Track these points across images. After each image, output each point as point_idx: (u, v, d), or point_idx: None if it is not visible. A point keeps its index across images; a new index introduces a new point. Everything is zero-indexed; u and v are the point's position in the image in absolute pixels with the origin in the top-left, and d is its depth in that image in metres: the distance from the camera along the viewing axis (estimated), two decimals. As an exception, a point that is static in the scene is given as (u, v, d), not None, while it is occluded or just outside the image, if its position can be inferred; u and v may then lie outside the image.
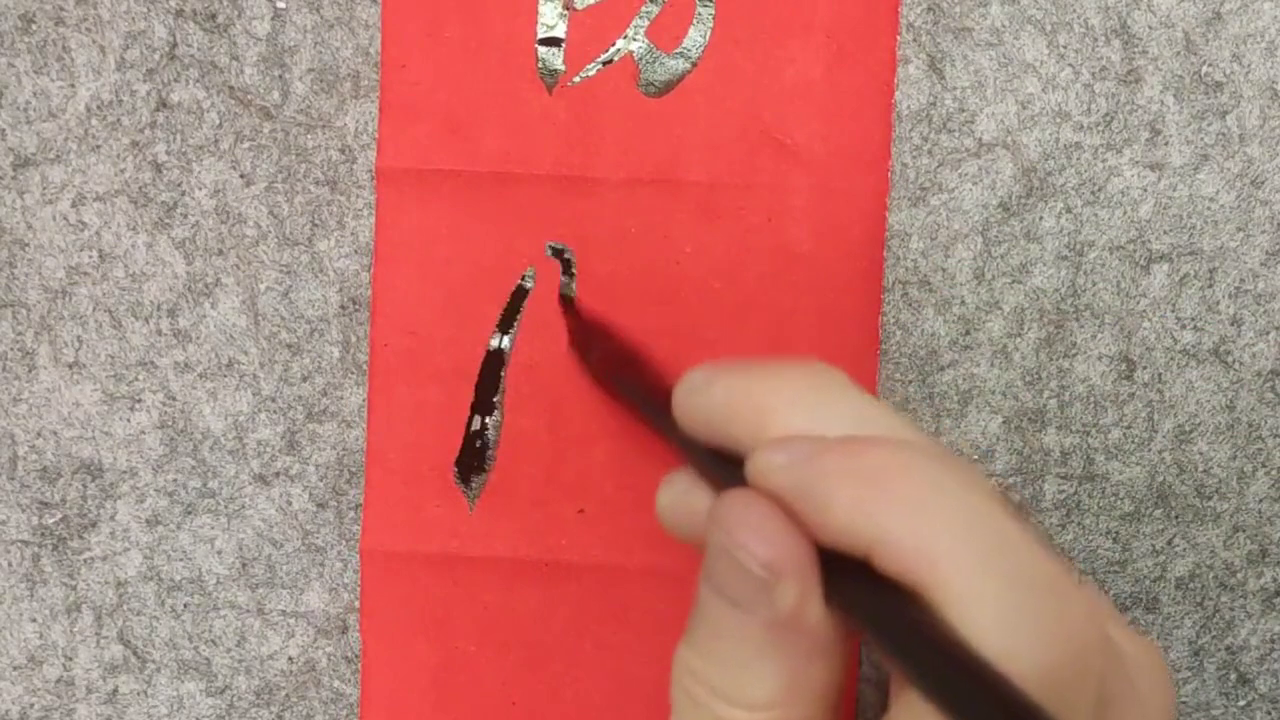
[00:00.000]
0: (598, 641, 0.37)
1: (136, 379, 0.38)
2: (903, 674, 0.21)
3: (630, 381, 0.32)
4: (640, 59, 0.37)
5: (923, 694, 0.20)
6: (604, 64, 0.37)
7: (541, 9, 0.37)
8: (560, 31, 0.37)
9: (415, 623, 0.37)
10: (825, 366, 0.25)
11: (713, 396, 0.25)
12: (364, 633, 0.37)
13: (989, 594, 0.20)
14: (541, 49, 0.37)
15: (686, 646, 0.24)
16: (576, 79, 0.37)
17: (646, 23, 0.37)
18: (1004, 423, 0.37)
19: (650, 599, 0.37)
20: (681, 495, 0.27)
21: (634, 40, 0.37)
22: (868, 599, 0.22)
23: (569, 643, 0.37)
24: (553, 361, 0.37)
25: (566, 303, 0.37)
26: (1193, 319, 0.38)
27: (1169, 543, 0.38)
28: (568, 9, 0.37)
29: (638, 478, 0.37)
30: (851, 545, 0.22)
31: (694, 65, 0.36)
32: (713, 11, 0.36)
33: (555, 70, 0.37)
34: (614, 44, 0.37)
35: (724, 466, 0.25)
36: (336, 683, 0.38)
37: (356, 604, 0.38)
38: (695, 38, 0.37)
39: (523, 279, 0.37)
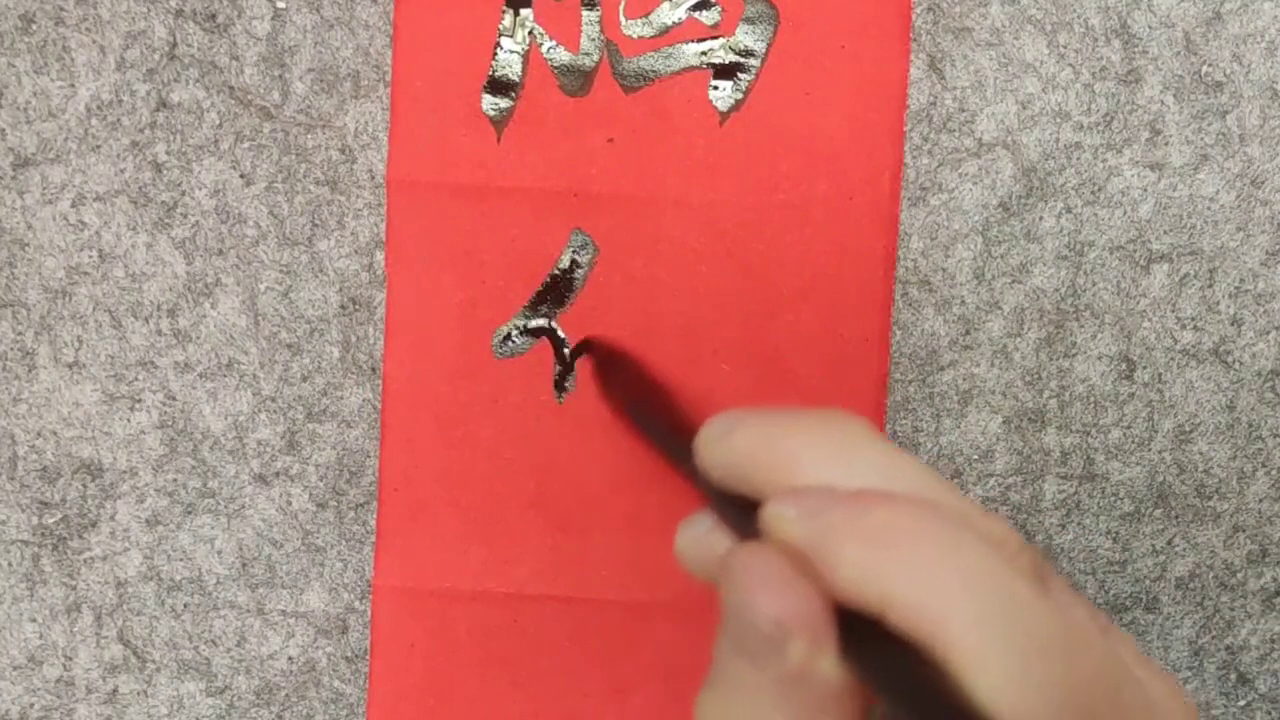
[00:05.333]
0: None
1: (136, 379, 0.38)
2: None
3: (653, 417, 0.32)
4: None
5: None
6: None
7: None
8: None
9: (441, 254, 0.36)
10: (849, 416, 0.25)
11: (735, 445, 0.25)
12: (389, 266, 0.37)
13: (996, 655, 0.21)
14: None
15: (706, 695, 0.25)
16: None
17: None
18: (1004, 423, 0.37)
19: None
20: (702, 536, 0.27)
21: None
22: (879, 657, 0.22)
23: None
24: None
25: (584, 343, 0.36)
26: (1193, 319, 0.38)
27: (1169, 543, 0.38)
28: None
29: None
30: (861, 602, 0.22)
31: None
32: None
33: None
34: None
35: (744, 514, 0.25)
36: (336, 683, 0.38)
37: (356, 604, 0.38)
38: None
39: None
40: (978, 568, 0.22)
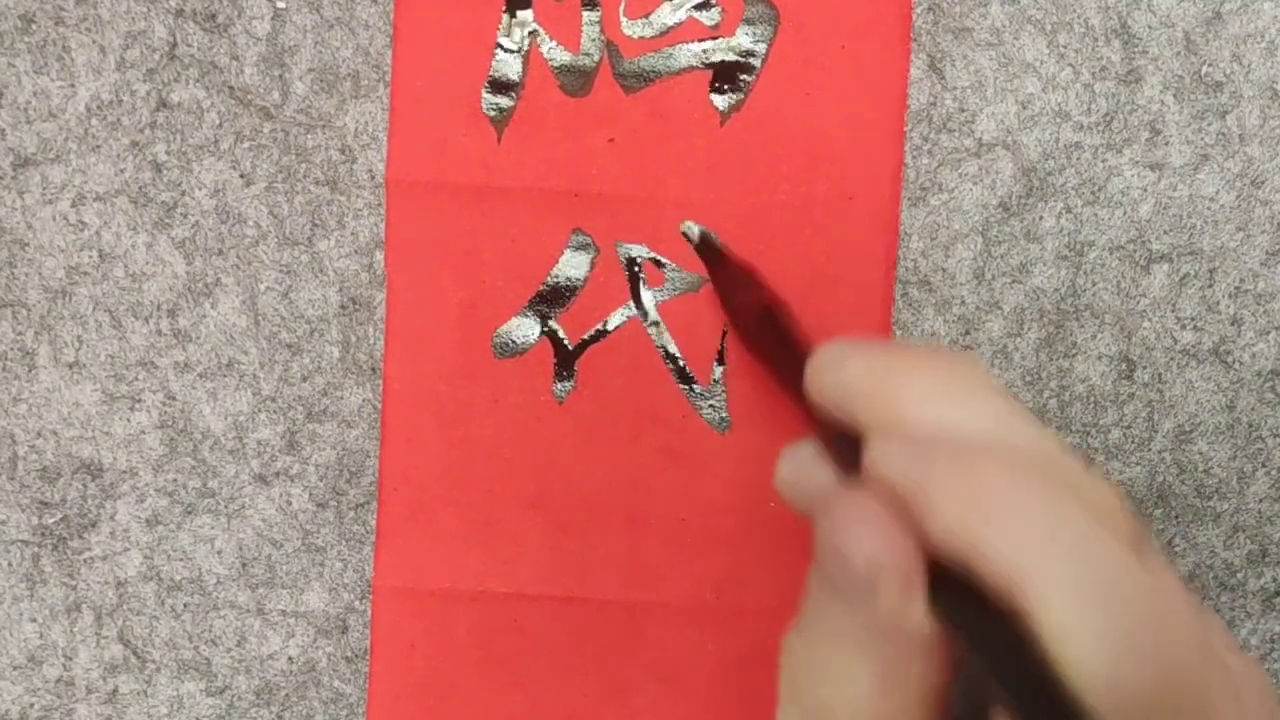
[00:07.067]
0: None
1: (136, 379, 0.38)
2: (998, 694, 0.21)
3: (771, 334, 0.31)
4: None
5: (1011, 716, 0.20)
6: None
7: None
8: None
9: (441, 254, 0.36)
10: (966, 357, 0.24)
11: (846, 375, 0.25)
12: (389, 266, 0.37)
13: (1088, 624, 0.20)
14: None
15: (795, 633, 0.24)
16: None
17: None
18: (1004, 423, 0.37)
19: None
20: (803, 465, 0.26)
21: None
22: (969, 613, 0.22)
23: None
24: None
25: (711, 247, 0.36)
26: (1193, 319, 0.38)
27: (1169, 543, 0.38)
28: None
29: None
30: (955, 555, 0.22)
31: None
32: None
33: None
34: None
35: (849, 447, 0.24)
36: (336, 683, 0.38)
37: (356, 604, 0.38)
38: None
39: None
40: (1077, 532, 0.21)
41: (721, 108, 0.37)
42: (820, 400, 0.25)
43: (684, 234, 0.36)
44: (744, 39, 0.36)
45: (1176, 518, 0.38)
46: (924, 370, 0.24)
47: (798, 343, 0.30)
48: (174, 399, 0.38)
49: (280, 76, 0.37)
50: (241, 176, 0.37)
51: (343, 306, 0.38)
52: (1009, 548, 0.21)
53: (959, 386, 0.24)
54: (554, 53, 0.37)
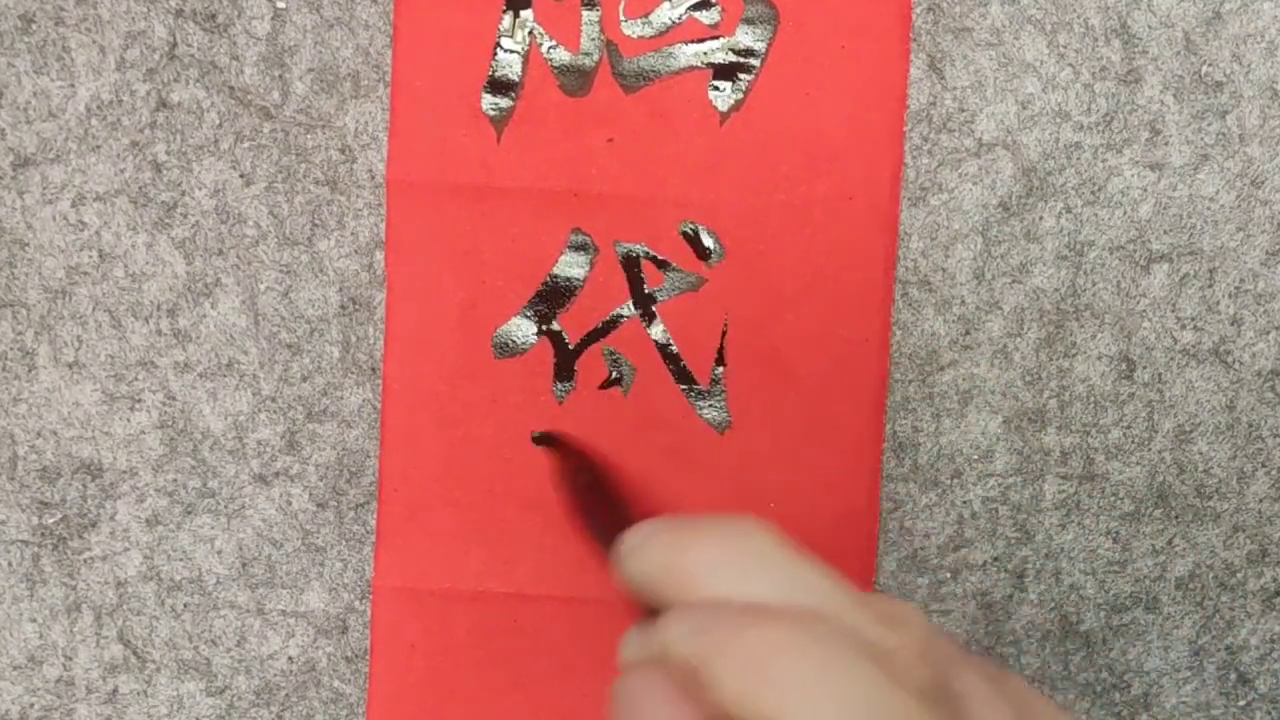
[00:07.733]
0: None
1: (136, 379, 0.38)
2: None
3: (602, 519, 0.32)
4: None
5: None
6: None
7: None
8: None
9: (441, 254, 0.37)
10: (754, 526, 0.25)
11: (646, 560, 0.26)
12: (389, 266, 0.37)
13: None
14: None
15: None
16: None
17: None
18: (1004, 423, 0.37)
19: None
20: (642, 649, 0.27)
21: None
22: None
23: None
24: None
25: (549, 438, 0.37)
26: (1193, 319, 0.38)
27: (1169, 543, 0.38)
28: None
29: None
30: None
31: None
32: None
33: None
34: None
35: None
36: (336, 683, 0.38)
37: (356, 604, 0.38)
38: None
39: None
40: (852, 688, 0.22)
41: (721, 107, 0.37)
42: (630, 587, 0.27)
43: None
44: (744, 38, 0.36)
45: (1176, 518, 0.38)
46: (712, 545, 0.25)
47: (627, 525, 0.31)
48: (174, 399, 0.38)
49: (280, 76, 0.37)
50: (241, 176, 0.37)
51: (343, 306, 0.38)
52: (785, 710, 0.22)
53: (745, 556, 0.25)
54: (554, 52, 0.37)
